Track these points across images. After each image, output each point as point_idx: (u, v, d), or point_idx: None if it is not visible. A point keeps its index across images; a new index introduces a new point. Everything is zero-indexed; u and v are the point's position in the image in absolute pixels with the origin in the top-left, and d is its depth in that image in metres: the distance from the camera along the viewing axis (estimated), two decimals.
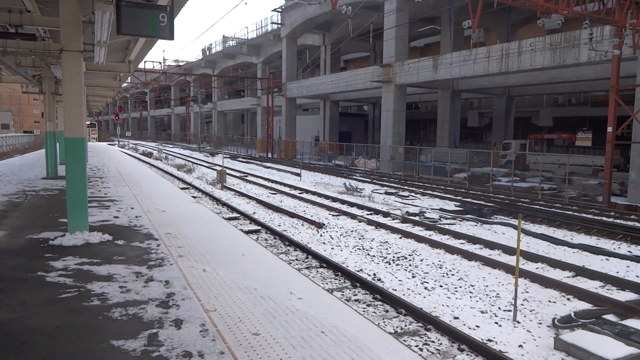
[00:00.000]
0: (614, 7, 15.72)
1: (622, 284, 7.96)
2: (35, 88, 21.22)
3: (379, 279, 8.06)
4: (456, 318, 6.50)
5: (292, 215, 13.69)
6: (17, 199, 11.99)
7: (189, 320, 4.63)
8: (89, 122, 68.65)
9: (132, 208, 10.94)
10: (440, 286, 7.82)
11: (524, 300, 7.22)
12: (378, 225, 12.46)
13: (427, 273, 8.51)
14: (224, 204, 15.18)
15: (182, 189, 17.77)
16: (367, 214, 14.09)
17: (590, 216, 14.83)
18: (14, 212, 10.10)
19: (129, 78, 36.14)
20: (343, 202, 16.36)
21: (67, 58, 7.75)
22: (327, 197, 17.50)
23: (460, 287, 7.81)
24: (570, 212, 15.39)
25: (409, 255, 9.66)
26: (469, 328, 6.18)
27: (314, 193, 18.52)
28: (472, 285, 7.87)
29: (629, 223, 13.81)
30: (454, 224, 13.25)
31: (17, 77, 19.55)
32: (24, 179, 16.25)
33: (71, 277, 5.82)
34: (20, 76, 18.25)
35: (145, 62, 41.68)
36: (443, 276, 8.37)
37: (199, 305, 5.03)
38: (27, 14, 10.21)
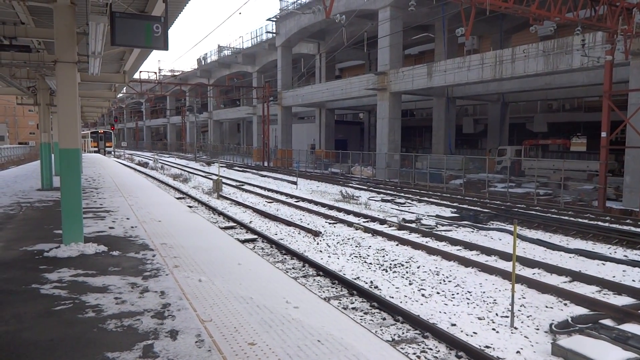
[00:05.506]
0: (606, 13, 15.87)
1: (619, 288, 7.98)
2: (30, 99, 21.19)
3: (376, 287, 8.04)
4: (454, 325, 6.48)
5: (288, 223, 13.67)
6: (11, 210, 11.93)
7: (185, 330, 4.60)
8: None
9: (128, 218, 10.90)
10: (438, 293, 7.81)
11: (521, 306, 7.22)
12: (375, 232, 12.45)
13: (424, 280, 8.50)
14: (220, 214, 15.14)
15: (178, 198, 17.72)
16: (364, 222, 14.08)
17: (586, 221, 14.87)
18: (9, 224, 10.04)
19: (124, 88, 36.17)
20: (339, 210, 16.35)
21: (62, 69, 7.74)
22: (323, 205, 17.49)
23: (458, 293, 7.80)
24: (566, 217, 15.43)
25: (406, 262, 9.65)
26: (467, 335, 6.17)
27: (310, 201, 18.51)
28: (469, 292, 7.87)
29: (625, 227, 13.85)
30: (451, 230, 13.26)
31: (11, 89, 19.52)
32: (19, 191, 16.17)
33: (66, 289, 5.78)
34: (15, 88, 18.23)
35: (140, 72, 41.71)
36: (440, 283, 8.35)
37: (195, 315, 4.99)
38: (22, 26, 10.23)
